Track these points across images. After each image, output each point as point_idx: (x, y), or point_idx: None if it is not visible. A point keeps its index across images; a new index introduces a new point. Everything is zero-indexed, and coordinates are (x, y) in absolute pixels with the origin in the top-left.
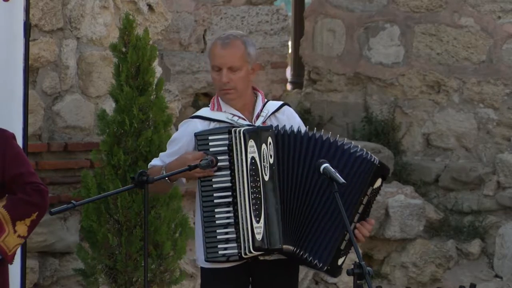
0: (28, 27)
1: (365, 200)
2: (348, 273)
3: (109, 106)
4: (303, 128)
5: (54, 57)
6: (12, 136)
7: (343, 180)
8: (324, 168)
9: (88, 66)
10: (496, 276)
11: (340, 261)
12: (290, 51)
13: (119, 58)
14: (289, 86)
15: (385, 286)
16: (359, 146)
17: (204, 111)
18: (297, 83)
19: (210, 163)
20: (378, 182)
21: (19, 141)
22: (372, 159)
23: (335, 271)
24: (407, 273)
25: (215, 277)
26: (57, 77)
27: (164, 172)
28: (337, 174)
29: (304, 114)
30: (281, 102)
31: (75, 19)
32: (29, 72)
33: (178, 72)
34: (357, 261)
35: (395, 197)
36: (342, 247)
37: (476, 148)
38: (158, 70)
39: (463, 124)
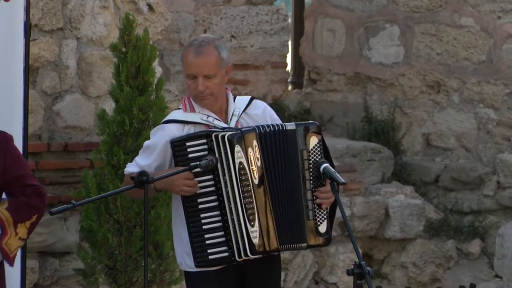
0: (28, 27)
1: (306, 165)
2: (348, 273)
3: (109, 106)
4: (278, 120)
5: (54, 57)
6: (11, 138)
7: (343, 180)
8: (324, 168)
9: (88, 66)
10: (496, 276)
11: (322, 229)
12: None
13: (119, 58)
14: (289, 86)
15: (385, 286)
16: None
17: (176, 114)
18: (297, 83)
19: (210, 163)
20: (314, 140)
21: (19, 141)
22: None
23: (323, 241)
24: (407, 273)
25: (203, 280)
26: (57, 77)
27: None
28: (337, 174)
29: (304, 114)
30: (249, 97)
31: (75, 19)
32: (29, 72)
33: (178, 72)
34: (357, 261)
35: (395, 197)
36: (311, 217)
37: (476, 148)
38: (158, 70)
39: (463, 124)
